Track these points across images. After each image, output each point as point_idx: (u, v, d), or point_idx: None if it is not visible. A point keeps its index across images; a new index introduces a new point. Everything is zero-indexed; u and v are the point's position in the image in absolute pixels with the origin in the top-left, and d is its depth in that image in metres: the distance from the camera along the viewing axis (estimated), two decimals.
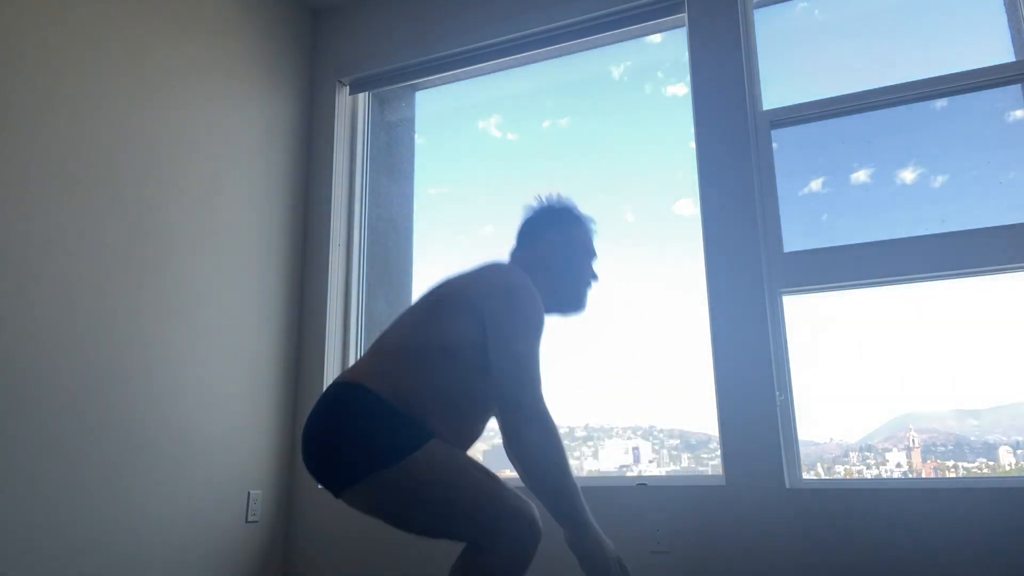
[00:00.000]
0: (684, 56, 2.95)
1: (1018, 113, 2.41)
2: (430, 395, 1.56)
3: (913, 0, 2.66)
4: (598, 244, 1.95)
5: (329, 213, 3.26)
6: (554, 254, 1.82)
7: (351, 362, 3.20)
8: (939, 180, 2.46)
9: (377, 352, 1.64)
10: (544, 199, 1.92)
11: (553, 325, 2.86)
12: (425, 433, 1.51)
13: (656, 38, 3.08)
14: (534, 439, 1.50)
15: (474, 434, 1.68)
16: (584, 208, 1.97)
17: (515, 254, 1.88)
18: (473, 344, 1.60)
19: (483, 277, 1.66)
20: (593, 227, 1.93)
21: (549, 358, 2.95)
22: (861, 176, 2.56)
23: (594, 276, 1.89)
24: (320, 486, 1.53)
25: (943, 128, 2.49)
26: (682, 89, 2.98)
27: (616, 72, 3.17)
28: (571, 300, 1.85)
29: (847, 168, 2.58)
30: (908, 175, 2.50)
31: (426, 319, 1.63)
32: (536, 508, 1.55)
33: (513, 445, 1.52)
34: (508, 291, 1.61)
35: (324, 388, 3.09)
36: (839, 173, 2.59)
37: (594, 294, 1.91)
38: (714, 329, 2.52)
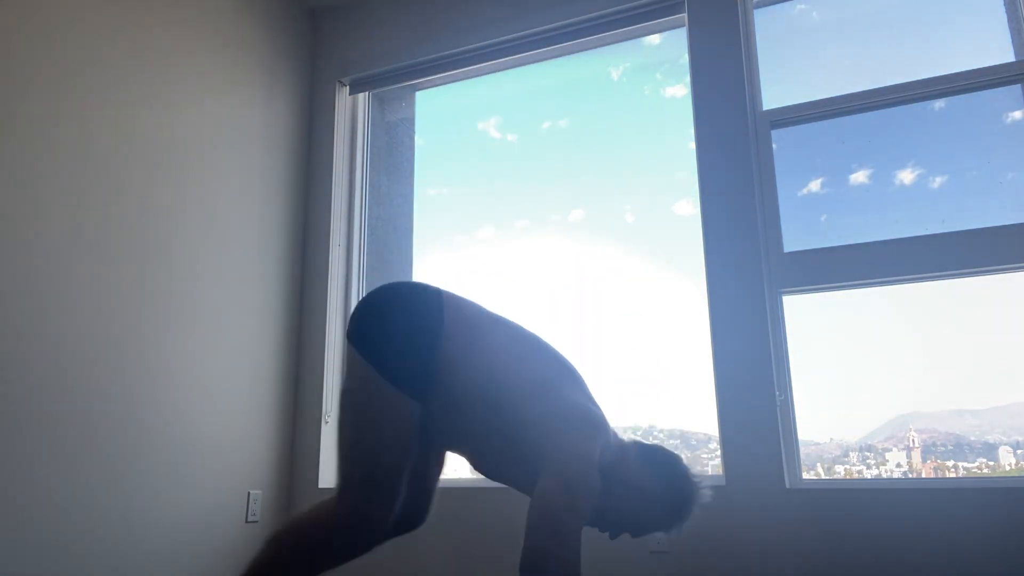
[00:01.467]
0: (682, 58, 2.95)
1: (1016, 114, 2.41)
2: (468, 384, 1.55)
3: (913, 0, 2.66)
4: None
5: (329, 213, 3.26)
6: (634, 491, 1.63)
7: None
8: (938, 181, 2.46)
9: (492, 318, 1.63)
10: (691, 470, 1.70)
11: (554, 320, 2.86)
12: (419, 389, 1.52)
13: (655, 39, 3.09)
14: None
15: (453, 444, 1.65)
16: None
17: (627, 450, 1.68)
18: (525, 438, 1.54)
19: (578, 424, 1.54)
20: (668, 529, 1.68)
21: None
22: (860, 177, 2.56)
23: (612, 534, 1.69)
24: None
25: (942, 128, 2.50)
26: (681, 90, 2.98)
27: (615, 74, 3.17)
28: (609, 526, 1.68)
29: (846, 169, 2.58)
30: (907, 175, 2.50)
31: (534, 376, 1.58)
32: (376, 505, 1.51)
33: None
34: (581, 463, 1.48)
35: (324, 388, 3.10)
36: (838, 173, 2.59)
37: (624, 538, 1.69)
38: (714, 329, 2.52)
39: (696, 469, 2.70)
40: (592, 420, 1.57)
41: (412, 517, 1.72)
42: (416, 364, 1.52)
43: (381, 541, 1.61)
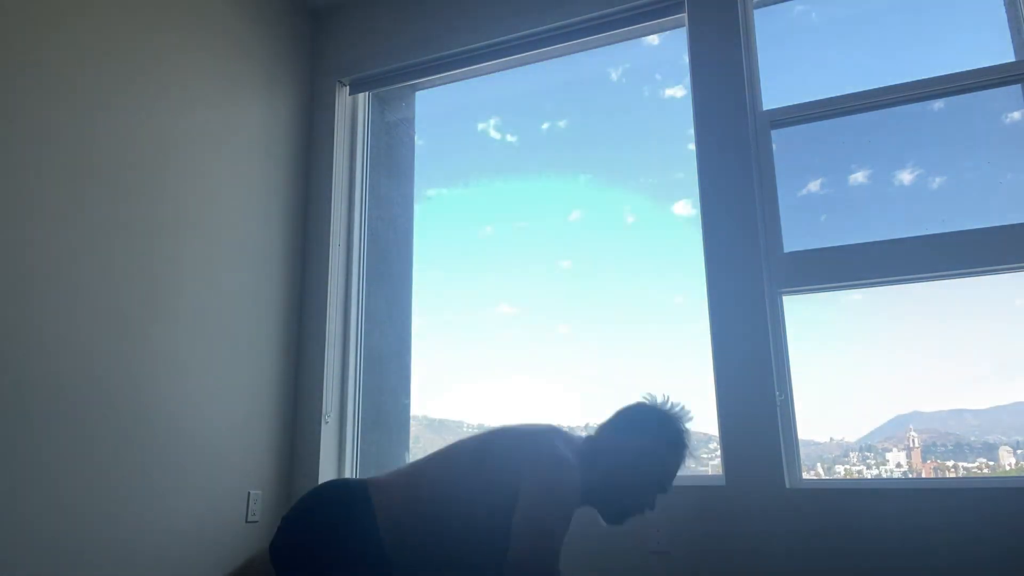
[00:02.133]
0: (681, 58, 2.95)
1: (1016, 115, 2.41)
2: (417, 538, 1.53)
3: (913, 0, 2.66)
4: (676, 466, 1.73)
5: (329, 213, 3.26)
6: (625, 464, 1.67)
7: (350, 361, 3.21)
8: (937, 181, 2.46)
9: (408, 484, 1.61)
10: (660, 402, 1.76)
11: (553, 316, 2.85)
12: None
13: (654, 40, 3.09)
14: None
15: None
16: (686, 422, 1.71)
17: (595, 435, 1.75)
18: (494, 506, 1.54)
19: (535, 442, 1.59)
20: (686, 458, 1.73)
21: (549, 358, 2.96)
22: (859, 177, 2.56)
23: (650, 506, 1.71)
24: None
25: (942, 129, 2.50)
26: (680, 91, 2.98)
27: (614, 75, 3.17)
28: (611, 514, 1.71)
29: (845, 169, 2.58)
30: (906, 176, 2.50)
31: (466, 466, 1.59)
32: None
33: None
34: (552, 468, 1.53)
35: (324, 388, 3.10)
36: (837, 174, 2.59)
37: (638, 518, 1.70)
38: (714, 329, 2.52)
39: (696, 469, 2.70)
40: (538, 427, 1.61)
41: None
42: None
43: None
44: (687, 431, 1.71)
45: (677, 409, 1.73)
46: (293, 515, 1.58)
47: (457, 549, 1.56)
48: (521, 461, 1.54)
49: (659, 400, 1.75)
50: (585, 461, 1.64)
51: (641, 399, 1.77)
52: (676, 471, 1.70)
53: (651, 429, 1.68)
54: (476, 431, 1.76)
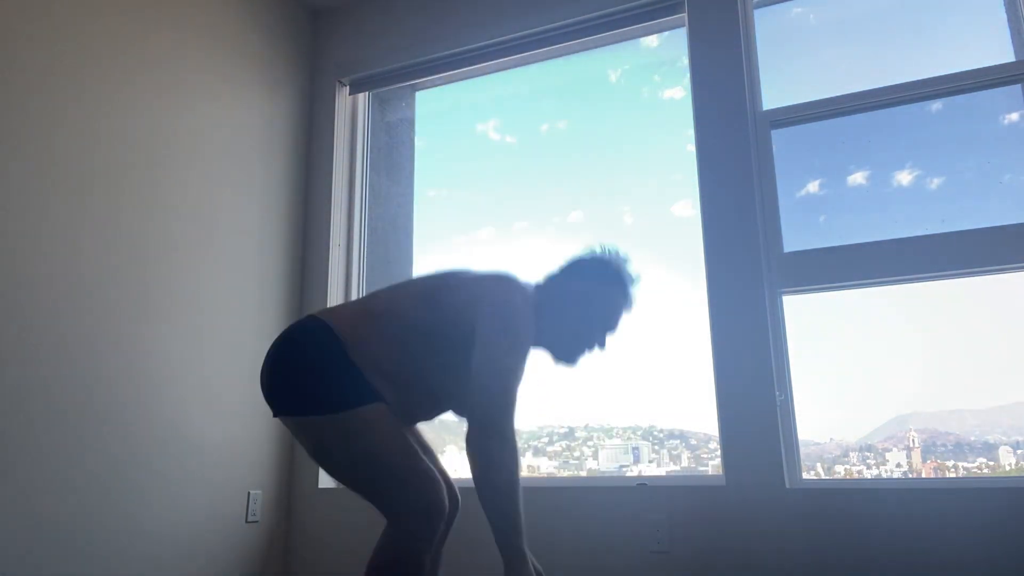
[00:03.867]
0: (680, 60, 2.95)
1: (1014, 116, 2.41)
2: (388, 364, 1.60)
3: (913, 0, 2.66)
4: (627, 318, 1.83)
5: (329, 213, 3.26)
6: (571, 305, 1.76)
7: None
8: (935, 182, 2.46)
9: (361, 306, 1.68)
10: (602, 249, 1.84)
11: None
12: (367, 394, 1.55)
13: (652, 42, 3.09)
14: (495, 457, 1.51)
15: (416, 416, 1.74)
16: (631, 267, 1.81)
17: (542, 283, 1.84)
18: (451, 340, 1.63)
19: (489, 285, 1.67)
20: (631, 301, 1.83)
21: (549, 358, 2.95)
22: (858, 178, 2.56)
23: (600, 344, 1.80)
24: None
25: (940, 129, 2.50)
26: (679, 93, 2.98)
27: (613, 76, 3.17)
28: (562, 352, 1.80)
29: (844, 170, 2.58)
30: (905, 177, 2.50)
31: (419, 297, 1.67)
32: (443, 489, 1.58)
33: (477, 458, 1.52)
34: (506, 306, 1.61)
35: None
36: (836, 175, 2.59)
37: (589, 358, 1.80)
38: (714, 329, 2.52)
39: (696, 469, 2.70)
40: (499, 276, 1.71)
41: (453, 493, 1.82)
42: (338, 380, 1.56)
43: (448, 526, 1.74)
44: (628, 271, 1.82)
45: (617, 253, 1.83)
46: (269, 358, 1.64)
47: (417, 367, 1.64)
48: (477, 301, 1.62)
49: (599, 250, 1.85)
50: (535, 306, 1.73)
51: (583, 250, 1.87)
52: (621, 308, 1.81)
53: (594, 272, 1.79)
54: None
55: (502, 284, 1.68)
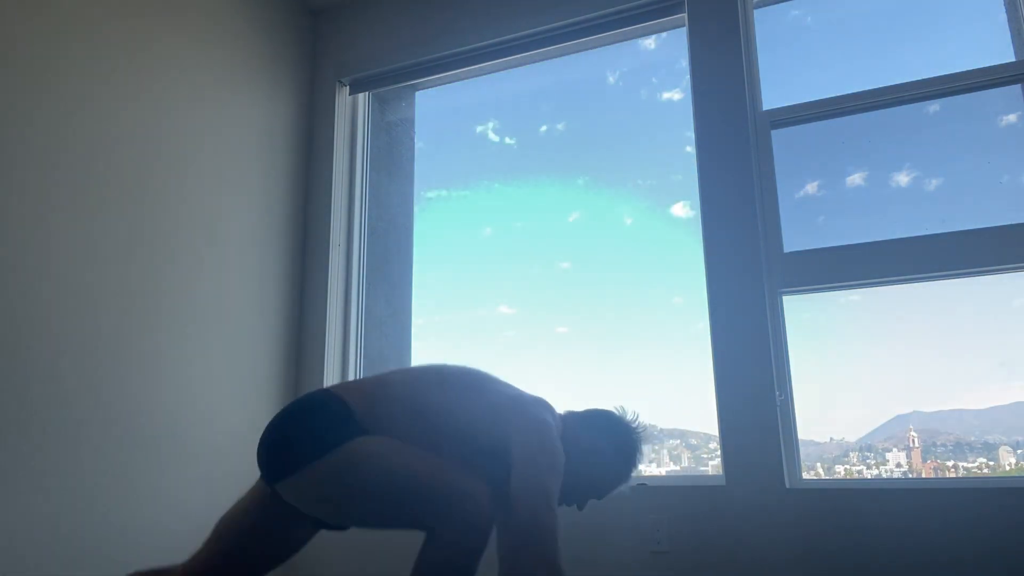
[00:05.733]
0: (678, 62, 2.96)
1: (1012, 117, 2.41)
2: (398, 434, 1.53)
3: (912, 0, 2.67)
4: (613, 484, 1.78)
5: (329, 213, 3.26)
6: (575, 461, 1.67)
7: (351, 361, 3.20)
8: (934, 183, 2.47)
9: (382, 387, 1.60)
10: (630, 417, 1.78)
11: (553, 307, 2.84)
12: (357, 431, 1.48)
13: (651, 43, 3.10)
14: None
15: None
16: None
17: (564, 415, 1.77)
18: (478, 443, 1.56)
19: (528, 402, 1.61)
20: (629, 477, 1.78)
21: (550, 358, 2.96)
22: (856, 179, 2.56)
23: (580, 506, 1.75)
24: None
25: (938, 130, 2.50)
26: (677, 94, 2.98)
27: (611, 78, 3.17)
28: (573, 494, 1.73)
29: (842, 172, 2.58)
30: (903, 178, 2.50)
31: (448, 393, 1.60)
32: (488, 491, 1.49)
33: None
34: (544, 428, 1.55)
35: (324, 386, 3.09)
36: (834, 176, 2.59)
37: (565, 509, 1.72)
38: (714, 329, 2.52)
39: (696, 469, 2.69)
40: (534, 398, 1.64)
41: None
42: (327, 421, 1.49)
43: None
44: (643, 452, 1.75)
45: (642, 428, 1.77)
46: (270, 426, 1.56)
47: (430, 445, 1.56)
48: (509, 423, 1.56)
49: (629, 416, 1.79)
50: (561, 440, 1.67)
51: (612, 409, 1.81)
52: (616, 484, 1.75)
53: (613, 436, 1.72)
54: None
55: (539, 408, 1.61)
